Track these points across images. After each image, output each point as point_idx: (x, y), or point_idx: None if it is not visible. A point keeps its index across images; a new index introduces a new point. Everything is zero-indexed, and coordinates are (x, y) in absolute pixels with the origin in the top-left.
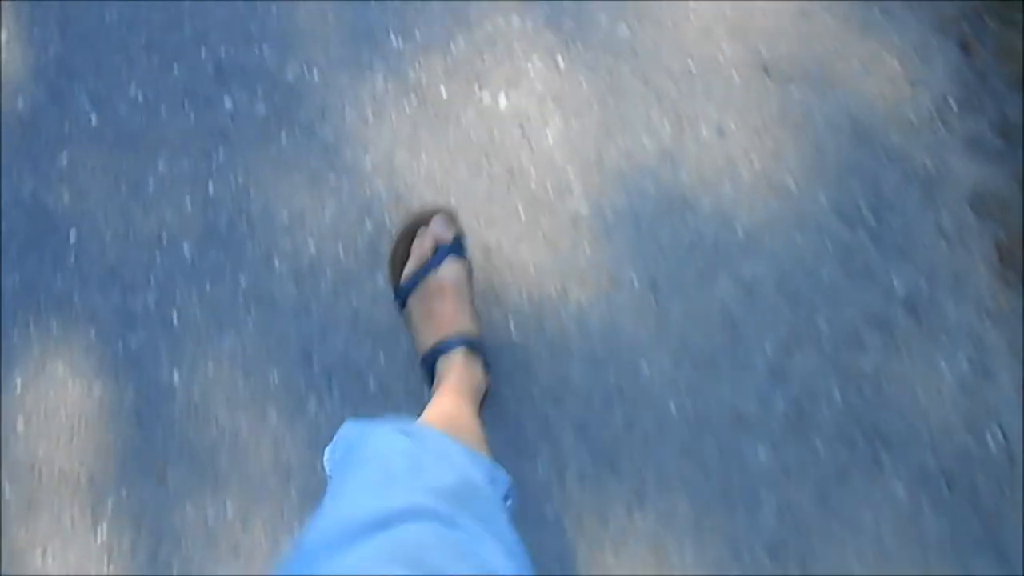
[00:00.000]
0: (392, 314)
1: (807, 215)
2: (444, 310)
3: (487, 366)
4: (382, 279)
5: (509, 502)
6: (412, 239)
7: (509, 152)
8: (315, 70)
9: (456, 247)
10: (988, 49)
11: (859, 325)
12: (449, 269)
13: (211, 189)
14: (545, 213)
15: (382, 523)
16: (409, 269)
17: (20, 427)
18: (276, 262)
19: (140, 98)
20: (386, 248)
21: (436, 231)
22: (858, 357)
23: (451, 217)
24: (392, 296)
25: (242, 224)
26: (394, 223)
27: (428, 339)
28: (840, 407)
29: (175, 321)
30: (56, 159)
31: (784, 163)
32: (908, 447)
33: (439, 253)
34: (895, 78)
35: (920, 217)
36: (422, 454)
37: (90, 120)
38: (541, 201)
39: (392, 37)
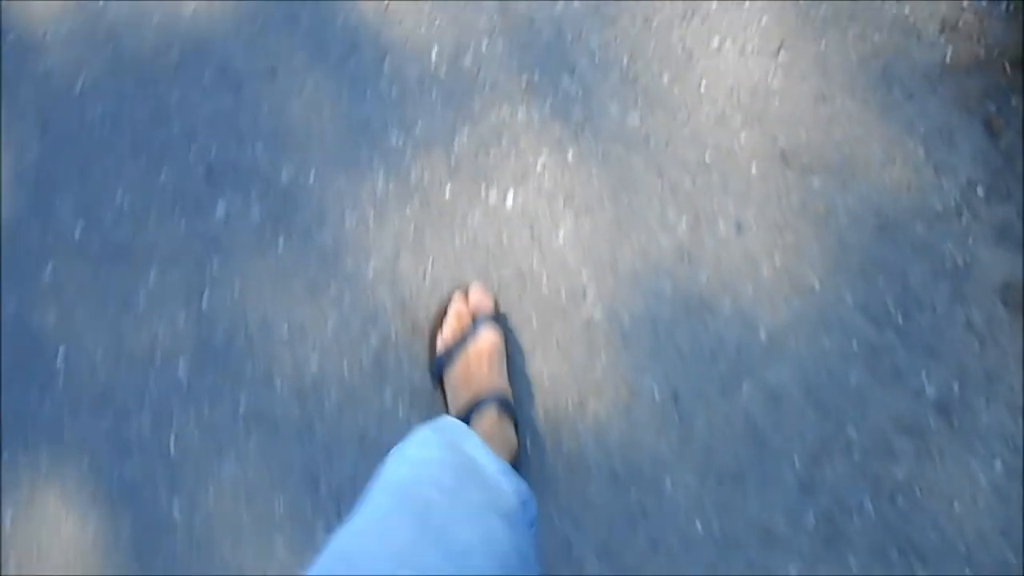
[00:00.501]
0: (401, 431)
1: (832, 314)
2: (481, 373)
3: (517, 429)
4: (389, 395)
5: (533, 529)
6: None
7: (519, 255)
8: (311, 170)
9: (496, 317)
10: (1014, 128)
11: (890, 431)
12: (487, 335)
13: (206, 302)
14: (559, 319)
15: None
16: (447, 338)
17: (12, 567)
18: (277, 381)
19: (127, 205)
20: (392, 361)
21: (474, 299)
22: (890, 465)
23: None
24: (428, 368)
25: (240, 339)
26: (400, 334)
27: (463, 400)
28: (873, 519)
29: (172, 447)
30: (40, 274)
31: (806, 259)
32: (944, 560)
33: (477, 320)
34: (919, 164)
35: (949, 313)
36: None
37: (75, 231)
38: (554, 307)
39: (391, 132)
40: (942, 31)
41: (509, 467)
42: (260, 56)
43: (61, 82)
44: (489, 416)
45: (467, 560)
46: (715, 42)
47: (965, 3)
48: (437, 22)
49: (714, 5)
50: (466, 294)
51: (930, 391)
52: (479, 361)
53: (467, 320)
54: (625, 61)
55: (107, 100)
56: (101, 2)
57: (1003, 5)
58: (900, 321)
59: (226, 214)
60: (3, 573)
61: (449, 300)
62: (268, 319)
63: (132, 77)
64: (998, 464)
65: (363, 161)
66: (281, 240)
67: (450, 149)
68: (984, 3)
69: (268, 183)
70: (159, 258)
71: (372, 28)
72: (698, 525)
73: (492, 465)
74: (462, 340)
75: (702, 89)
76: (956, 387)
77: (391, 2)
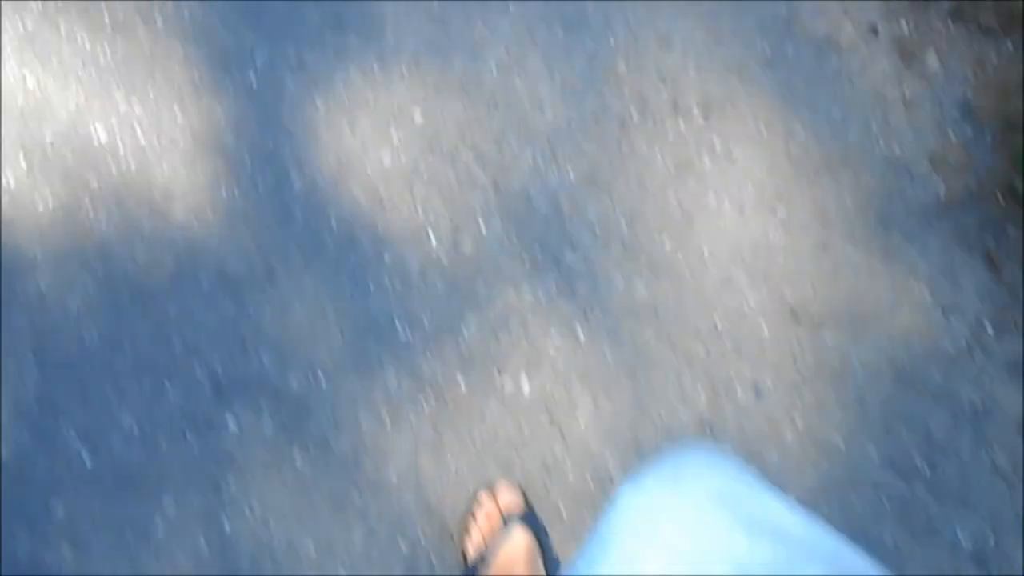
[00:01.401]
0: None
1: (860, 473)
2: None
3: None
4: None
5: None
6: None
7: (541, 444)
8: (320, 375)
9: (526, 516)
10: (1013, 260)
11: None
12: (520, 537)
13: (227, 526)
14: (588, 507)
15: None
16: (478, 543)
17: None
18: None
19: (135, 429)
20: (424, 569)
21: (504, 500)
22: None
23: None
24: None
25: (266, 563)
26: (429, 539)
27: None
28: None
29: None
30: (51, 510)
31: (828, 418)
32: None
33: (508, 522)
34: (926, 306)
35: (975, 458)
36: None
37: (83, 460)
38: (582, 494)
39: (399, 327)
40: (933, 167)
41: None
42: (257, 258)
43: (55, 305)
44: None
45: None
46: (712, 201)
47: (952, 136)
48: (432, 206)
49: (707, 162)
50: (492, 492)
51: (965, 542)
52: (515, 564)
53: (497, 521)
54: (625, 229)
55: (104, 320)
56: (90, 215)
57: (987, 134)
58: (928, 473)
59: (238, 430)
60: None
61: (475, 501)
62: (293, 538)
63: (128, 293)
64: None
65: (373, 360)
66: (297, 452)
67: (460, 339)
68: (970, 133)
69: (278, 393)
70: (173, 481)
71: (367, 219)
72: None
73: None
74: (494, 544)
75: (705, 252)
76: (990, 534)
77: (384, 189)
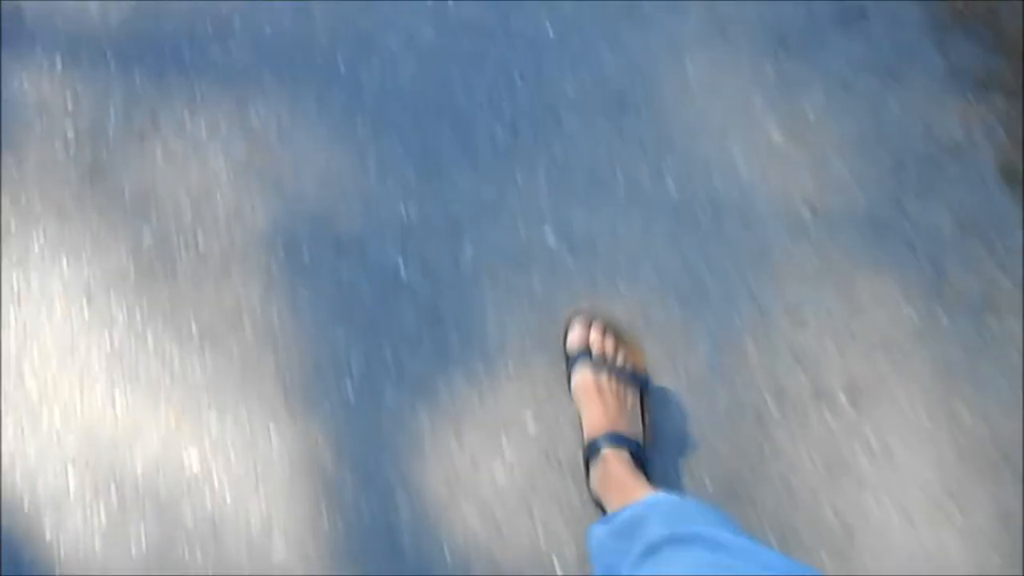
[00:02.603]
0: None
1: None
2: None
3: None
4: None
5: None
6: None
7: None
8: None
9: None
10: None
11: None
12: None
13: None
14: None
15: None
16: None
17: None
18: None
19: None
20: None
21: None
22: None
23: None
24: None
25: None
26: None
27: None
28: None
29: None
30: None
31: None
32: None
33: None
34: None
35: None
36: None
37: None
38: None
39: None
40: None
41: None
42: None
43: None
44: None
45: None
46: (874, 507)
47: None
48: (553, 529)
49: (862, 460)
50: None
51: None
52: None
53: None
54: (776, 545)
55: None
56: (186, 556)
57: None
58: None
59: None
60: None
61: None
62: None
63: None
64: None
65: None
66: None
67: None
68: None
69: None
70: None
71: (484, 548)
72: None
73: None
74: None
75: (872, 571)
76: None
77: (499, 512)
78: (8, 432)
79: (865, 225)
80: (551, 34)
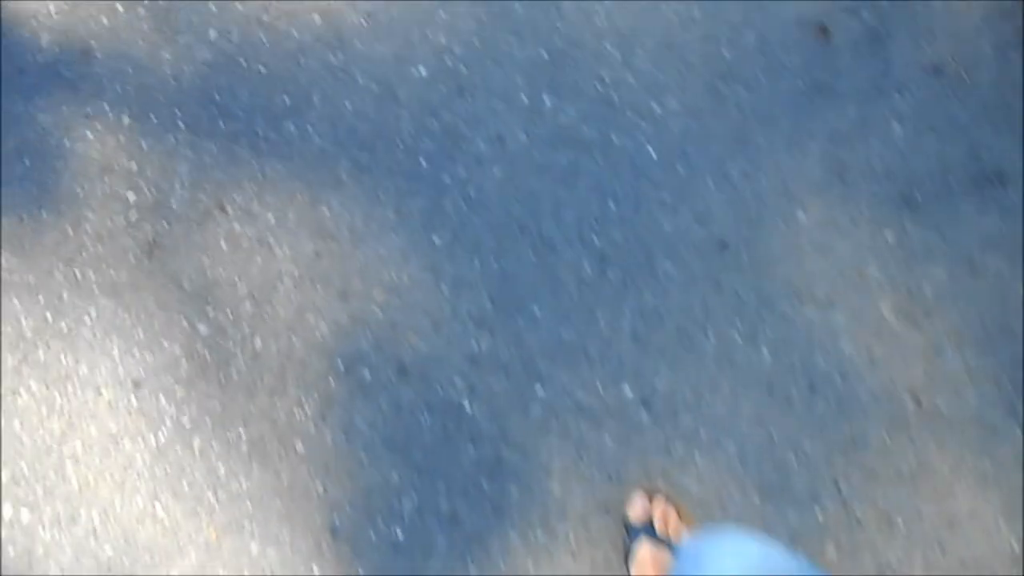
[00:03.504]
0: None
1: None
2: None
3: None
4: None
5: None
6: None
7: None
8: None
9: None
10: None
11: None
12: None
13: None
14: None
15: None
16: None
17: None
18: None
19: None
20: None
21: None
22: None
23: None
24: None
25: None
26: None
27: None
28: None
29: None
30: None
31: None
32: None
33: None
34: None
35: None
36: None
37: None
38: None
39: None
40: None
41: None
42: None
43: None
44: None
45: None
46: None
47: None
48: None
49: None
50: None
51: None
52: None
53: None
54: None
55: None
56: None
57: None
58: None
59: None
60: None
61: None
62: None
63: None
64: None
65: None
66: None
67: None
68: None
69: None
70: None
71: None
72: None
73: None
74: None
75: None
76: None
77: None
78: (46, 522)
79: (974, 428)
80: (654, 156)
